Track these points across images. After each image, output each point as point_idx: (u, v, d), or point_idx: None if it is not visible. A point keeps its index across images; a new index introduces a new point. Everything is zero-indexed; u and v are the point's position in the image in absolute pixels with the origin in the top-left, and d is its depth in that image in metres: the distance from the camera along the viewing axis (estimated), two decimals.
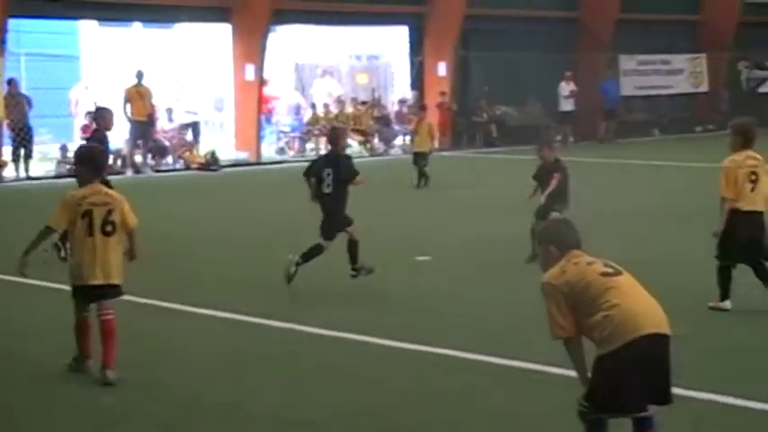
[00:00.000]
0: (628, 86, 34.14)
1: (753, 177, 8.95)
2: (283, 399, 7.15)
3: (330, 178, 10.67)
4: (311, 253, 10.63)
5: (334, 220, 10.68)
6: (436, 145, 29.52)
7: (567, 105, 31.77)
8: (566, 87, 31.64)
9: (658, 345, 5.16)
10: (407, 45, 30.33)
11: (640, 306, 5.20)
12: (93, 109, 17.83)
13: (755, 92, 38.30)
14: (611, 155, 27.40)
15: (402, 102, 29.27)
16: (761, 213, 9.00)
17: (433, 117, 29.40)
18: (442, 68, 29.95)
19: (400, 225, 15.52)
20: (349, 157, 11.33)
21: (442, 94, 29.71)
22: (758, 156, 9.09)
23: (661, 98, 35.50)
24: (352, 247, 10.75)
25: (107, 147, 12.67)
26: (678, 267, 11.31)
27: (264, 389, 7.40)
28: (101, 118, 13.04)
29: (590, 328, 5.23)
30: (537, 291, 5.49)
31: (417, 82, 30.06)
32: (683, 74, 36.30)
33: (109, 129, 12.84)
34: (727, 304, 9.20)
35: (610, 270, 5.31)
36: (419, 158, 20.73)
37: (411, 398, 7.09)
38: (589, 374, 5.30)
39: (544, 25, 32.66)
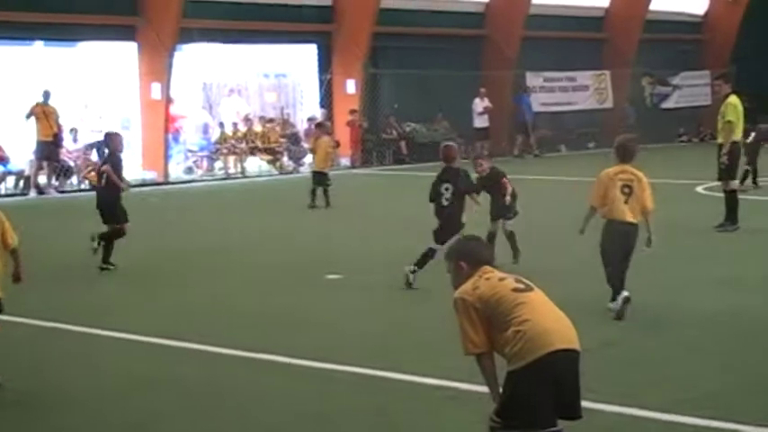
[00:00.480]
0: (534, 103, 34.60)
1: (626, 190, 9.62)
2: (193, 420, 7.01)
3: (449, 192, 11.55)
4: (424, 259, 11.42)
5: (451, 228, 11.27)
6: (346, 162, 29.73)
7: (481, 122, 32.06)
8: (480, 104, 31.95)
9: (568, 360, 5.20)
10: (316, 63, 30.27)
11: (551, 322, 5.23)
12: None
13: (659, 107, 39.18)
14: (521, 170, 27.68)
15: (311, 120, 29.20)
16: (631, 224, 9.61)
17: (343, 135, 29.47)
18: (351, 86, 29.97)
19: (310, 244, 15.45)
20: (465, 172, 11.99)
21: (352, 111, 29.73)
22: (635, 171, 9.76)
23: (567, 114, 36.02)
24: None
25: (119, 168, 13.14)
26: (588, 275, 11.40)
27: (173, 411, 7.24)
28: (111, 142, 13.41)
29: (501, 344, 5.24)
30: (447, 308, 5.48)
31: (326, 100, 30.04)
32: (588, 90, 36.93)
33: (120, 151, 13.30)
34: (620, 299, 9.60)
35: (521, 286, 5.34)
36: (318, 178, 20.44)
37: (321, 418, 7.01)
38: (501, 390, 5.31)
39: (452, 43, 32.96)
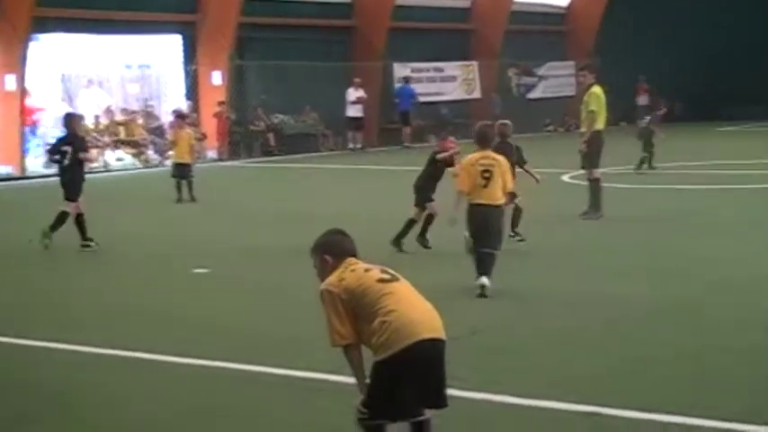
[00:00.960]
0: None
1: (486, 175, 10.00)
2: (65, 419, 6.70)
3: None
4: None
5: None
6: (213, 155, 29.27)
7: (354, 111, 32.01)
8: (353, 93, 31.88)
9: (434, 350, 5.20)
10: (181, 54, 29.69)
11: (417, 312, 5.23)
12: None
13: (525, 97, 39.79)
14: (406, 162, 27.77)
15: (175, 112, 28.62)
16: (493, 206, 10.02)
17: (209, 127, 29.00)
18: (217, 77, 29.54)
19: (176, 237, 15.11)
20: (518, 147, 12.94)
21: (221, 103, 29.29)
22: (496, 156, 10.23)
23: (436, 105, 36.23)
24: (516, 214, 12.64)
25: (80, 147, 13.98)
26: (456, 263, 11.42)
27: (39, 409, 6.90)
28: (71, 122, 14.44)
29: (368, 335, 5.23)
30: (314, 300, 5.44)
31: (192, 91, 29.51)
32: (456, 81, 37.25)
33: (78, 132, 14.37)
34: (485, 280, 9.89)
35: (387, 276, 5.34)
36: (181, 170, 19.99)
37: (195, 413, 6.82)
38: (367, 381, 5.28)
39: (320, 33, 32.81)
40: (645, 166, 21.87)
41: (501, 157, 10.26)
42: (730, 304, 9.48)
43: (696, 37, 40.21)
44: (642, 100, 43.01)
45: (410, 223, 12.75)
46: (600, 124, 15.51)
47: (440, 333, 5.24)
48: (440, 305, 5.41)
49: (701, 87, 39.44)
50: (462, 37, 38.25)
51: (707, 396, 6.70)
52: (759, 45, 39.34)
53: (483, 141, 10.30)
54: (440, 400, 5.27)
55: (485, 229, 10.02)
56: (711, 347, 7.94)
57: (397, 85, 34.06)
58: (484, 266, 9.95)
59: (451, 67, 37.04)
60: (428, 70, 35.85)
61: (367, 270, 5.36)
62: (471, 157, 10.22)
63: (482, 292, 9.86)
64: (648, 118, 24.03)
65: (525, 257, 11.64)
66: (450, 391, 5.36)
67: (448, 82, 36.85)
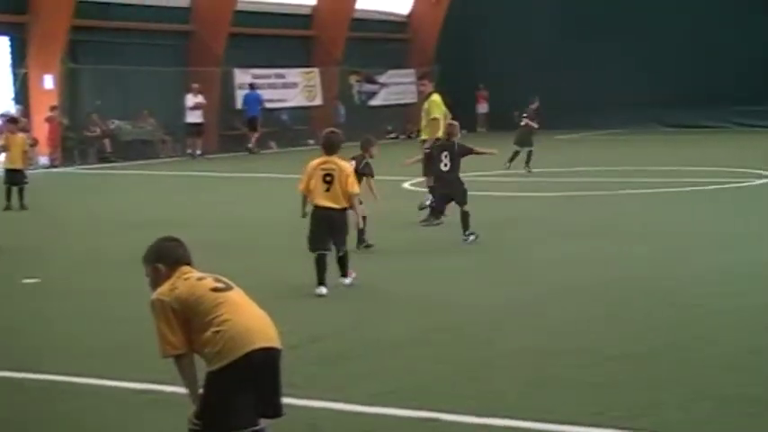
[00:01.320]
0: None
1: (327, 179, 10.42)
2: None
3: (447, 158, 14.11)
4: (465, 221, 13.60)
5: (453, 188, 14.01)
6: (45, 161, 28.29)
7: (193, 117, 31.47)
8: (192, 99, 31.34)
9: (269, 358, 5.11)
10: (9, 56, 28.57)
11: (251, 321, 5.13)
12: None
13: (367, 105, 39.98)
14: (250, 168, 27.45)
15: (3, 116, 27.54)
16: (333, 209, 10.39)
17: (41, 132, 28.03)
18: (48, 81, 28.58)
19: (5, 247, 14.45)
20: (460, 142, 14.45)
21: (53, 108, 28.35)
22: (337, 161, 10.55)
23: (278, 111, 36.01)
24: (465, 217, 13.65)
25: None
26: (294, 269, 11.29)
27: None
28: None
29: (201, 345, 5.09)
30: (143, 309, 5.29)
31: (22, 95, 28.44)
32: (297, 87, 37.12)
33: None
34: (323, 290, 10.21)
35: (221, 285, 5.23)
36: (13, 176, 19.21)
37: (16, 428, 6.46)
38: (201, 391, 5.13)
39: (159, 38, 32.18)
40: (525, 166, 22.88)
41: (344, 163, 10.62)
42: (572, 306, 9.62)
43: (535, 46, 41.23)
44: (482, 108, 43.88)
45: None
46: (440, 132, 15.63)
47: (274, 342, 5.15)
48: (280, 313, 5.26)
49: (537, 96, 40.41)
50: (304, 43, 38.20)
51: (545, 398, 6.74)
52: (593, 57, 40.58)
53: (327, 147, 10.65)
54: (276, 410, 5.17)
55: (326, 231, 10.39)
56: (552, 350, 8.01)
57: (245, 92, 33.73)
58: (322, 273, 10.28)
59: (293, 74, 36.91)
60: (269, 77, 35.60)
61: (200, 279, 5.23)
62: (314, 162, 10.59)
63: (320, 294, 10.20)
64: (525, 116, 24.63)
65: (368, 263, 11.58)
66: (288, 400, 5.26)
67: (289, 88, 36.70)
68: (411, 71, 40.83)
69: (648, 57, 39.59)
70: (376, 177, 13.27)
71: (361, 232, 12.73)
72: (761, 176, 20.92)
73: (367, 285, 10.70)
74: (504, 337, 8.49)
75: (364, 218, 11.92)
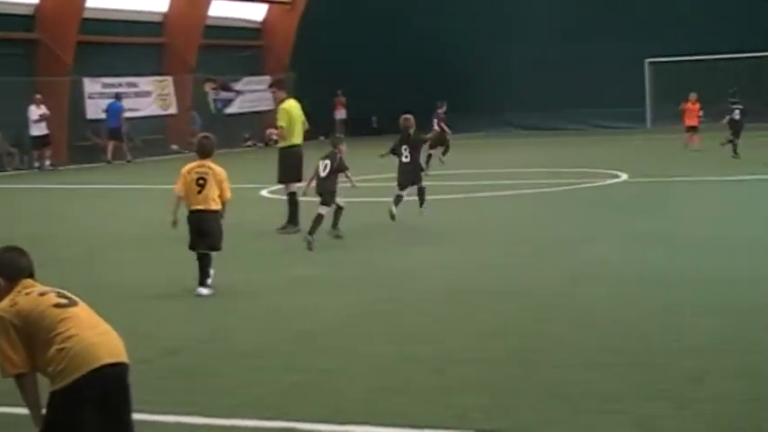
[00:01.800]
0: (94, 109, 33.58)
1: (200, 182, 10.81)
2: None
3: (407, 151, 15.82)
4: (421, 196, 15.91)
5: (411, 176, 15.85)
6: None
7: (37, 129, 30.51)
8: (35, 111, 30.38)
9: (116, 374, 4.96)
10: None
11: (97, 336, 4.97)
12: None
13: (223, 113, 39.52)
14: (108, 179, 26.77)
15: None
16: (205, 211, 10.83)
17: None
18: None
19: None
20: (417, 134, 16.23)
21: None
22: (211, 165, 10.95)
23: (132, 120, 35.23)
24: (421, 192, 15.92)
25: None
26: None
27: None
28: None
29: (45, 363, 4.90)
30: None
31: None
32: (150, 96, 36.45)
33: None
34: (203, 291, 10.70)
35: (64, 301, 5.04)
36: None
37: None
38: (44, 412, 4.93)
39: (3, 47, 31.11)
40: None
41: (217, 167, 10.97)
42: (428, 312, 9.66)
43: (394, 51, 41.55)
44: (340, 114, 43.99)
45: (318, 218, 13.93)
46: (296, 139, 15.53)
47: (122, 357, 4.99)
48: (134, 325, 5.10)
49: (397, 101, 40.78)
50: (156, 51, 37.54)
51: (402, 404, 6.73)
52: (445, 59, 41.12)
53: (201, 152, 11.09)
54: (126, 427, 5.01)
55: (200, 232, 10.82)
56: (408, 355, 8.02)
57: (109, 101, 33.00)
58: (204, 272, 10.83)
59: (146, 83, 36.23)
60: (121, 85, 34.83)
61: (42, 294, 5.03)
62: (188, 166, 11.02)
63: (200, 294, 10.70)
64: (436, 121, 25.41)
65: (224, 272, 11.40)
66: (140, 416, 5.13)
67: (142, 97, 36.00)
68: (266, 78, 40.63)
69: (506, 60, 40.44)
70: (233, 185, 13.13)
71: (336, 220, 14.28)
72: (616, 176, 21.57)
73: (223, 296, 10.57)
74: (360, 343, 8.46)
75: (341, 208, 14.08)
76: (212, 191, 10.77)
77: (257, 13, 42.95)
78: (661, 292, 10.04)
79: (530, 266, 11.87)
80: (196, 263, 10.80)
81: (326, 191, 14.18)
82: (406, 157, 15.74)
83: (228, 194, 10.93)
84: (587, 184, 20.43)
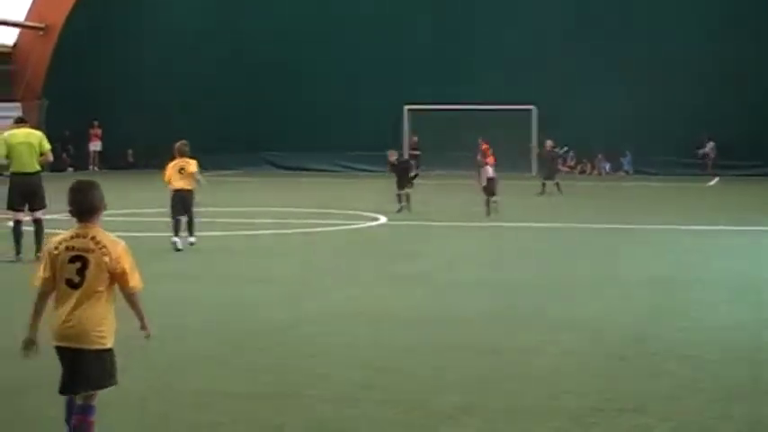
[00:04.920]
0: None
1: (181, 171, 16.86)
2: None
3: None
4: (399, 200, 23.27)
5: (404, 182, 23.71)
6: None
7: None
8: None
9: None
10: None
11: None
12: None
13: None
14: None
15: None
16: (185, 189, 16.83)
17: None
18: None
19: None
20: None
21: None
22: (189, 160, 16.96)
23: None
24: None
25: None
26: None
27: None
28: None
29: None
30: None
31: None
32: None
33: None
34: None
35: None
36: None
37: None
38: None
39: None
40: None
41: (192, 160, 16.98)
42: (187, 346, 9.54)
43: (145, 87, 40.89)
44: (94, 145, 42.79)
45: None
46: (16, 167, 15.53)
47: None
48: None
49: (153, 135, 40.30)
50: None
51: None
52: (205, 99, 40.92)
53: (181, 153, 16.97)
54: None
55: (183, 205, 16.73)
56: (167, 390, 7.89)
57: None
58: (176, 230, 16.74)
59: None
60: None
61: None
62: (173, 162, 16.92)
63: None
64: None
65: None
66: None
67: None
68: (18, 104, 39.07)
69: (266, 95, 40.70)
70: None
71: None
72: (375, 219, 22.05)
73: None
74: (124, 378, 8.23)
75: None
76: (189, 175, 16.52)
77: (8, 36, 41.33)
78: (420, 330, 10.34)
79: (294, 304, 11.94)
80: None
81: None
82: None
83: (196, 170, 16.45)
84: (347, 226, 20.78)
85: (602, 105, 37.67)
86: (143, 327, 6.25)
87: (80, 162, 41.29)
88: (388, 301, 12.09)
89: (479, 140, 26.38)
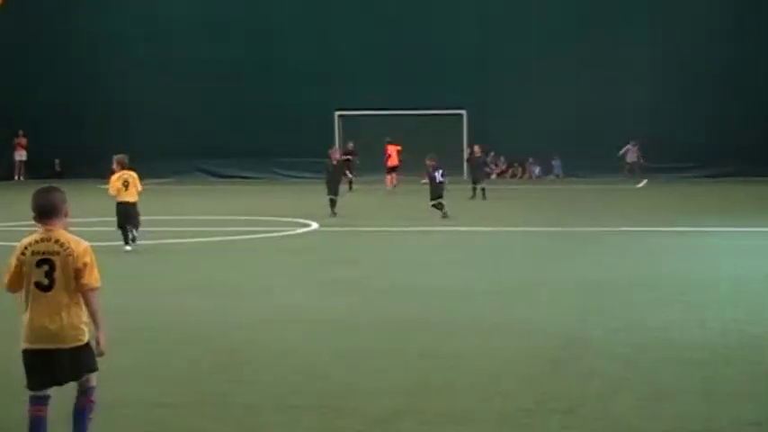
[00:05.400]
0: None
1: (126, 183, 17.53)
2: None
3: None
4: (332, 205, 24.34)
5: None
6: None
7: None
8: None
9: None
10: None
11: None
12: None
13: None
14: None
15: None
16: (130, 203, 17.55)
17: None
18: None
19: None
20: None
21: None
22: (131, 173, 17.61)
23: None
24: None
25: None
26: None
27: None
28: None
29: None
30: None
31: None
32: None
33: None
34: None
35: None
36: None
37: None
38: None
39: None
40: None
41: (134, 173, 17.67)
42: (123, 357, 9.35)
43: (80, 92, 40.31)
44: (20, 155, 42.05)
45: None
46: None
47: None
48: None
49: (83, 143, 39.69)
50: None
51: None
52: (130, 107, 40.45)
53: (123, 165, 17.71)
54: None
55: (127, 216, 17.48)
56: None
57: None
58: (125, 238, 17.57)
59: None
60: None
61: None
62: (116, 174, 17.53)
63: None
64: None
65: None
66: None
67: None
68: None
69: (195, 105, 40.35)
70: None
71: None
72: (307, 225, 21.96)
73: None
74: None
75: None
76: (133, 187, 17.38)
77: None
78: (352, 335, 10.30)
79: (224, 312, 11.81)
80: None
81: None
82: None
83: (140, 188, 17.56)
84: (279, 233, 20.67)
85: (532, 109, 37.99)
86: (97, 342, 6.27)
87: (5, 172, 40.62)
88: (320, 307, 12.04)
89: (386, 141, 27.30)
